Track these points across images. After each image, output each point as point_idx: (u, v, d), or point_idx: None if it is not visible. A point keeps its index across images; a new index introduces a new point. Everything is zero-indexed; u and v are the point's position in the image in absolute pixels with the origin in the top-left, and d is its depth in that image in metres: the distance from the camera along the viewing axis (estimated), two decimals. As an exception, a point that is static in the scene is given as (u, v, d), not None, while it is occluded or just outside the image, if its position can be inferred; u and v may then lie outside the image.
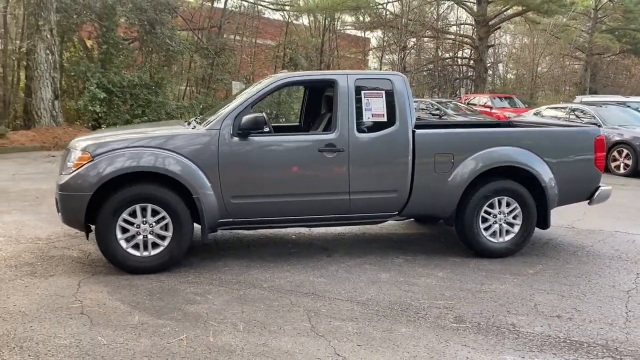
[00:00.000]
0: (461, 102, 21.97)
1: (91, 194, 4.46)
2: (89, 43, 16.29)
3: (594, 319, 3.87)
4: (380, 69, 28.68)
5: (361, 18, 29.27)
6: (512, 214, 5.27)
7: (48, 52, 13.26)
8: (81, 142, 4.75)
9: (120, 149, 4.58)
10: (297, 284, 4.47)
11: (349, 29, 29.93)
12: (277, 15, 22.73)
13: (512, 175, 5.27)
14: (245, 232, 6.07)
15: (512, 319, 3.85)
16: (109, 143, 4.63)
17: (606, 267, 5.10)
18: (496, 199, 5.22)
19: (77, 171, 4.53)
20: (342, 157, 4.89)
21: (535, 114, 14.40)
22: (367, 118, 5.01)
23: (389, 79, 5.14)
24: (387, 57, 32.26)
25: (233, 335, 3.49)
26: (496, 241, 5.28)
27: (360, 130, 4.97)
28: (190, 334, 3.49)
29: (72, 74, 14.67)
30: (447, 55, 32.28)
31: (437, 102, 18.67)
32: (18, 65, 14.54)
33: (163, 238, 4.65)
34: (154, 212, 4.61)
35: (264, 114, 5.00)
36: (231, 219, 4.85)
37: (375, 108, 5.02)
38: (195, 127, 4.90)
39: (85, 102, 13.95)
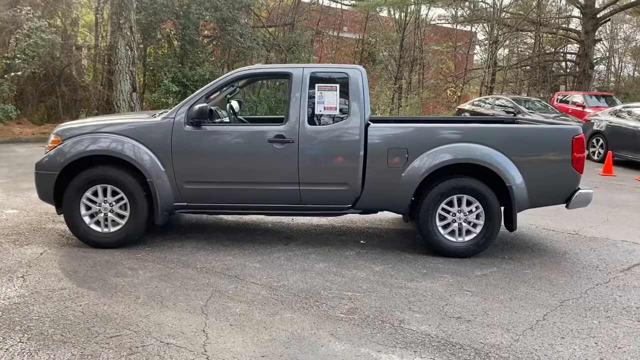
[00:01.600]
0: (552, 103, 20.61)
1: (57, 173, 4.99)
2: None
3: (495, 323, 3.69)
4: (466, 64, 27.68)
5: (453, 11, 28.41)
6: (474, 214, 5.07)
7: (127, 48, 14.48)
8: (58, 127, 5.32)
9: (85, 134, 5.07)
10: (229, 267, 4.68)
11: (441, 23, 29.13)
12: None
13: (476, 174, 5.08)
14: (228, 217, 6.38)
15: (406, 315, 3.78)
16: (77, 128, 5.15)
17: (569, 275, 4.75)
18: (455, 197, 5.05)
19: (49, 153, 5.09)
20: (292, 149, 5.01)
21: (611, 113, 13.27)
22: (319, 111, 5.08)
23: (346, 73, 5.16)
24: (483, 52, 31.04)
25: (126, 306, 3.80)
26: (455, 240, 5.11)
27: (311, 123, 5.06)
28: (92, 302, 3.85)
29: (151, 68, 15.92)
30: (548, 50, 30.29)
31: (515, 100, 17.73)
32: (106, 60, 16.04)
33: (122, 217, 5.09)
34: (114, 193, 5.05)
35: (234, 103, 5.25)
36: (185, 203, 5.17)
37: (328, 101, 5.07)
38: (156, 116, 5.26)
39: (159, 94, 15.08)
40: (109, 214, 5.06)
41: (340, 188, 5.09)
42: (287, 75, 5.21)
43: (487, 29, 25.73)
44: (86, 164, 5.06)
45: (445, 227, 5.11)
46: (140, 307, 3.78)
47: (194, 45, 16.17)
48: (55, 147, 5.08)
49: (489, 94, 25.48)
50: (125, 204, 5.06)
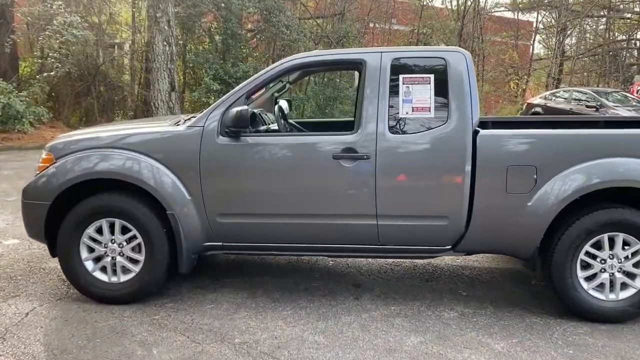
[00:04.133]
0: (632, 92, 18.34)
1: (49, 203, 3.67)
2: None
3: None
4: (532, 54, 25.44)
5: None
6: (633, 260, 3.47)
7: (165, 43, 13.30)
8: (53, 141, 4.01)
9: (85, 150, 3.72)
10: (281, 342, 3.23)
11: (501, 11, 26.98)
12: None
13: (633, 202, 3.49)
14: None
15: None
16: (75, 142, 3.81)
17: None
18: (605, 236, 3.47)
19: (39, 175, 3.78)
20: (367, 167, 3.52)
21: None
22: (406, 113, 3.57)
23: (443, 58, 3.62)
24: (547, 41, 28.66)
25: None
26: (605, 298, 3.52)
27: (394, 130, 3.56)
28: (72, 419, 2.48)
29: (191, 65, 14.76)
30: (620, 37, 27.63)
31: (595, 92, 15.65)
32: (143, 58, 14.99)
33: (136, 262, 3.73)
34: (124, 230, 3.71)
35: (275, 105, 3.83)
36: (220, 243, 3.76)
37: (418, 99, 3.56)
38: (179, 124, 3.87)
39: (200, 93, 13.89)
40: (118, 258, 3.72)
41: (437, 223, 3.57)
42: (358, 64, 3.72)
43: (555, 15, 23.49)
44: (87, 190, 3.73)
45: (589, 278, 3.53)
46: None
47: (236, 40, 14.91)
48: (47, 167, 3.76)
49: (556, 87, 23.26)
50: (139, 245, 3.71)
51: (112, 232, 3.71)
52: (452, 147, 3.51)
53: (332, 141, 3.59)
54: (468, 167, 3.48)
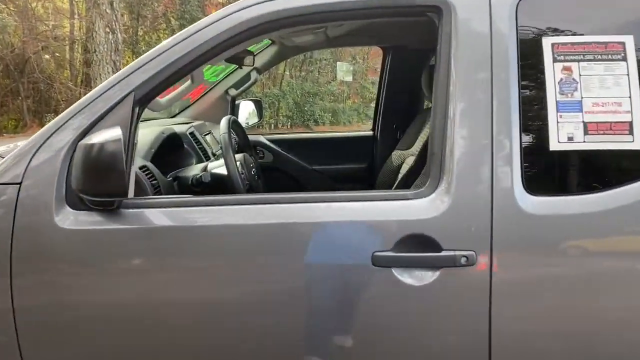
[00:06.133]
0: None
1: None
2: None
3: None
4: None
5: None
6: None
7: (108, 30, 10.92)
8: None
9: None
10: None
11: None
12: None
13: None
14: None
15: None
16: None
17: None
18: None
19: None
20: (465, 287, 1.29)
21: None
22: (568, 138, 1.34)
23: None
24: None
25: None
26: None
27: (538, 186, 1.32)
28: None
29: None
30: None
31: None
32: (82, 49, 12.63)
33: None
34: None
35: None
36: None
37: (597, 100, 1.34)
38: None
39: (153, 91, 11.60)
40: None
41: None
42: (431, 11, 1.44)
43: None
44: None
45: None
46: None
47: (196, 26, 12.63)
48: None
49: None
50: None
51: None
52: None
53: (367, 217, 1.34)
54: None
